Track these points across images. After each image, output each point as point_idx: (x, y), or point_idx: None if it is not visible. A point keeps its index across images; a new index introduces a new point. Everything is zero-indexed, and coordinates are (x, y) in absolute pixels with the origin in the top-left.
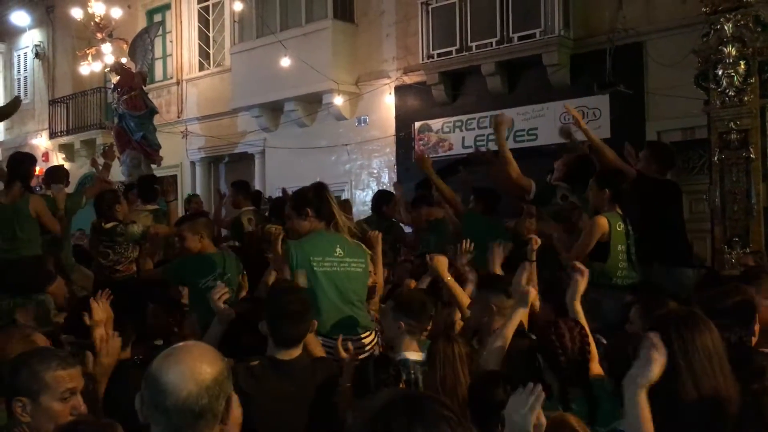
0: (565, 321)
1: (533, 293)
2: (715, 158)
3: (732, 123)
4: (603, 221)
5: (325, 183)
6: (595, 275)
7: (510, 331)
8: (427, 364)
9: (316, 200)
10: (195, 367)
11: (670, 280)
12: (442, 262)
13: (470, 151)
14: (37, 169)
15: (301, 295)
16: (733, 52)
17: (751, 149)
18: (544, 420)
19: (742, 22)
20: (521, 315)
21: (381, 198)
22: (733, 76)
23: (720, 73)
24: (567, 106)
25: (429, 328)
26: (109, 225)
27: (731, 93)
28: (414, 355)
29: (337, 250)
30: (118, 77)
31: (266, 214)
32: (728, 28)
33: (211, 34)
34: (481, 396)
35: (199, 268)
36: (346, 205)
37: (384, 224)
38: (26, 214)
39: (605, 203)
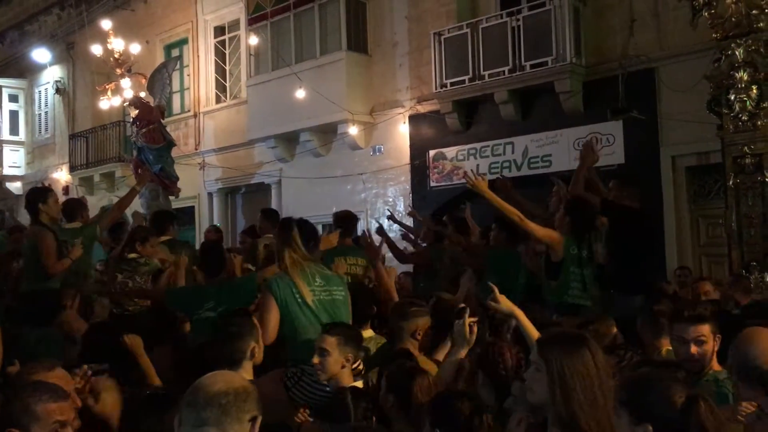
0: (506, 343)
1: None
2: (730, 183)
3: (746, 147)
4: (560, 239)
5: (289, 219)
6: (548, 293)
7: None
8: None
9: (280, 240)
10: (229, 375)
11: (622, 306)
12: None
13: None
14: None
15: (242, 319)
16: (745, 77)
17: (766, 173)
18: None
19: (753, 47)
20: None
21: None
22: (746, 100)
23: (732, 98)
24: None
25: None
26: (132, 255)
27: (744, 117)
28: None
29: (317, 279)
30: (137, 111)
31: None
32: (739, 53)
33: (227, 68)
34: (445, 409)
35: (191, 299)
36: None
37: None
38: (26, 249)
39: (565, 227)
